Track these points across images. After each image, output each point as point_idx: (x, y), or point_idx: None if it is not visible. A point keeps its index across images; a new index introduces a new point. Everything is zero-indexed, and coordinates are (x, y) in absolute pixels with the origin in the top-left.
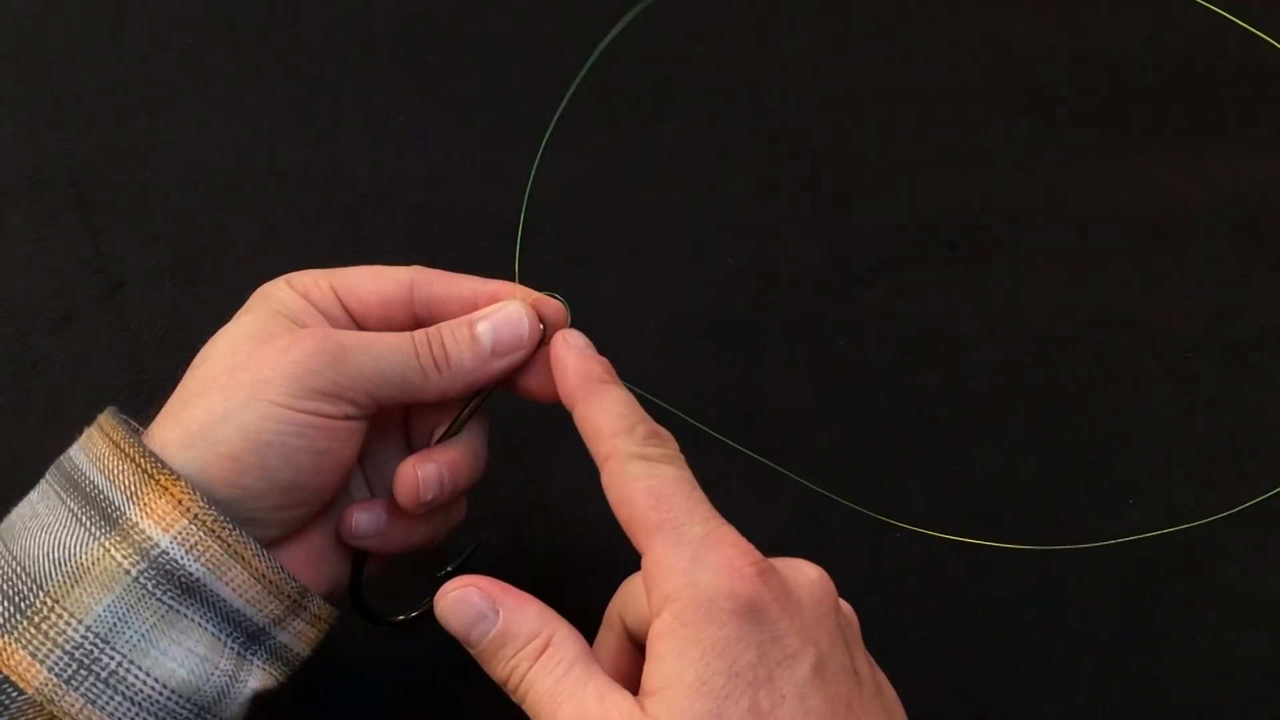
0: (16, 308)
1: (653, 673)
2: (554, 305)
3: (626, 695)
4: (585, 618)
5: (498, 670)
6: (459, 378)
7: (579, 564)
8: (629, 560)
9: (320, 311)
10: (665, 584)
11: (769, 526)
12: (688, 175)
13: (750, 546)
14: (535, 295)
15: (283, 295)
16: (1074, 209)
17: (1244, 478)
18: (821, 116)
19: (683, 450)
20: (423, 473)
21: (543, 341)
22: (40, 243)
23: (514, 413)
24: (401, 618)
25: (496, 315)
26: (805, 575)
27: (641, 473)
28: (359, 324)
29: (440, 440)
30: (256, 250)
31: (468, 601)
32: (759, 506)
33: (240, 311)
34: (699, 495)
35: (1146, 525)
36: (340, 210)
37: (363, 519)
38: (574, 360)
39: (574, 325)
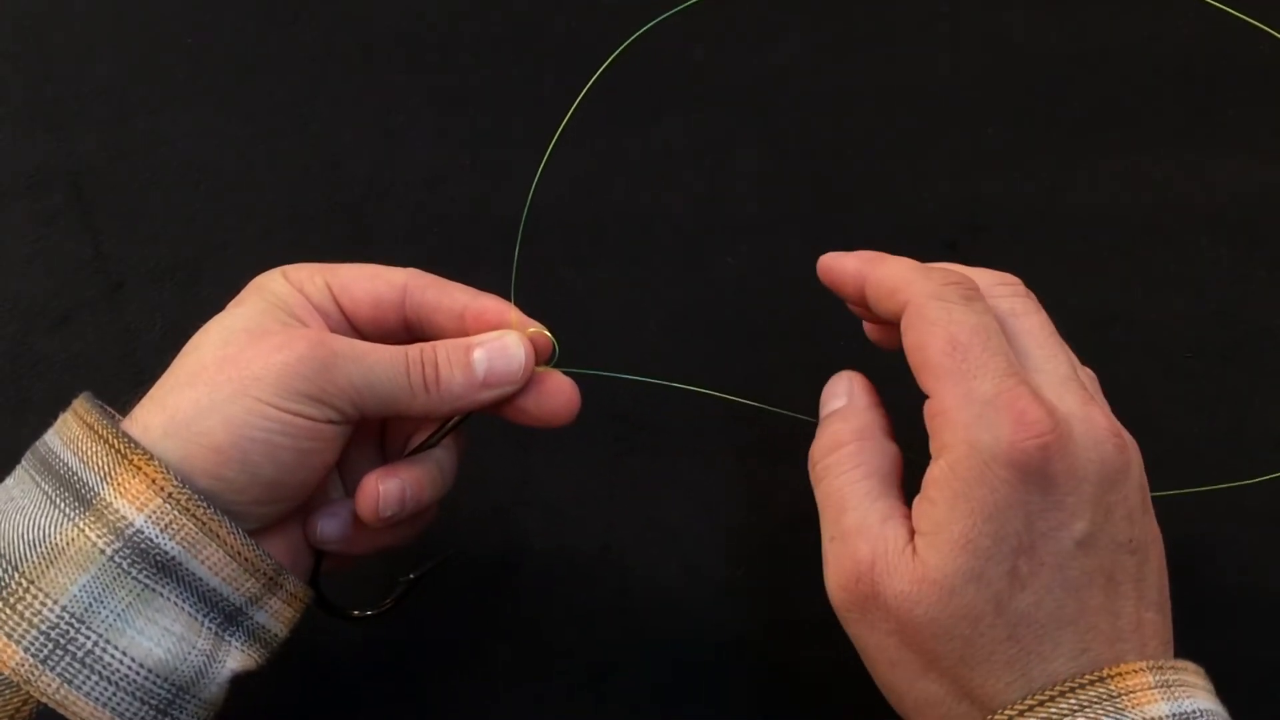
0: (16, 308)
1: (923, 515)
2: (543, 340)
3: (906, 527)
4: (584, 617)
5: (814, 449)
6: (446, 401)
7: (579, 564)
8: (628, 560)
9: (314, 306)
10: (946, 434)
11: (768, 526)
12: (688, 175)
13: (1042, 414)
14: (528, 322)
15: (278, 288)
16: (1074, 209)
17: (1244, 478)
18: (821, 116)
19: (681, 443)
20: (384, 488)
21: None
22: (40, 243)
23: None
24: (356, 614)
25: (493, 345)
26: (1097, 443)
27: (939, 316)
28: (350, 321)
29: (411, 453)
30: (256, 250)
31: (835, 382)
32: (759, 507)
33: (234, 301)
34: (997, 345)
35: None
36: (340, 210)
37: (328, 525)
38: (844, 255)
39: (575, 325)
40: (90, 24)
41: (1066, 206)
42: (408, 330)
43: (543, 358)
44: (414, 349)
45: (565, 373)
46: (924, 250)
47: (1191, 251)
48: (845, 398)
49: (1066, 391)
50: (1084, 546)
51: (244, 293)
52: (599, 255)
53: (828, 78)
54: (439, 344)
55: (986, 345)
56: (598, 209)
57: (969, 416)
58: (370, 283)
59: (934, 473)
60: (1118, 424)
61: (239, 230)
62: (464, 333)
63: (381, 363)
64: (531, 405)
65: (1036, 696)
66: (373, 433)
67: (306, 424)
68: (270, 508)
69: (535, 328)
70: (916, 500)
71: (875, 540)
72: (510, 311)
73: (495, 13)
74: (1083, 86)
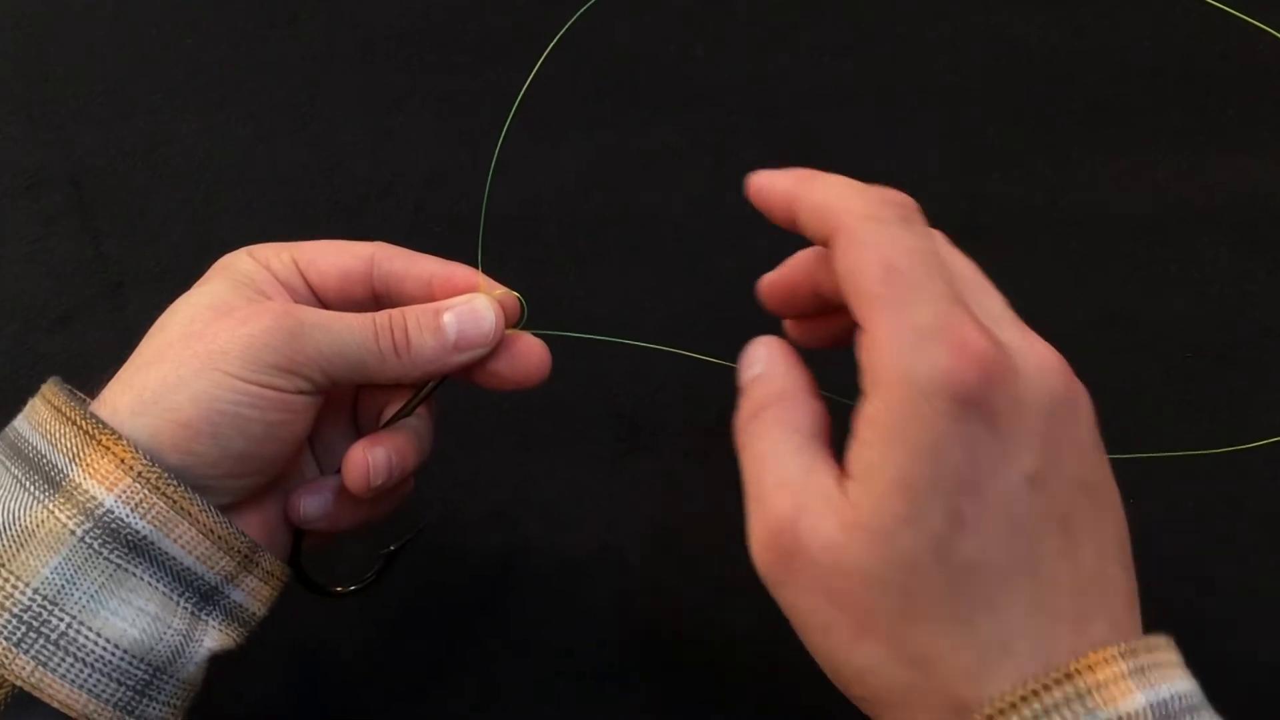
0: (16, 308)
1: (856, 457)
2: (511, 302)
3: (834, 474)
4: (584, 617)
5: (738, 411)
6: (417, 365)
7: (578, 563)
8: (628, 560)
9: (281, 283)
10: (879, 367)
11: None
12: (688, 175)
13: (986, 341)
14: (495, 285)
15: (244, 265)
16: (1074, 209)
17: (1244, 478)
18: (821, 116)
19: (681, 443)
20: (373, 458)
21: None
22: (40, 243)
23: (512, 410)
24: (340, 589)
25: (463, 308)
26: (1043, 373)
27: (872, 239)
28: (319, 296)
29: (388, 423)
30: None
31: (751, 350)
32: None
33: (200, 281)
34: (935, 268)
35: (1146, 525)
36: (340, 210)
37: (310, 503)
38: (776, 173)
39: (575, 324)
40: (90, 24)
41: (1066, 206)
42: (376, 302)
43: (511, 320)
44: (382, 315)
45: (535, 334)
46: None
47: (1191, 251)
48: (763, 363)
49: (1006, 324)
50: (1034, 484)
51: (210, 272)
52: (599, 254)
53: (828, 76)
54: (408, 309)
55: (926, 269)
56: (598, 208)
57: (904, 346)
58: (336, 256)
59: (866, 410)
60: (1064, 360)
61: (239, 230)
62: (432, 301)
63: (350, 329)
64: (504, 368)
65: (996, 704)
66: (345, 409)
67: (275, 395)
68: (242, 481)
69: (502, 290)
70: (849, 444)
71: (798, 491)
72: (478, 278)
73: (495, 13)
74: (1083, 86)
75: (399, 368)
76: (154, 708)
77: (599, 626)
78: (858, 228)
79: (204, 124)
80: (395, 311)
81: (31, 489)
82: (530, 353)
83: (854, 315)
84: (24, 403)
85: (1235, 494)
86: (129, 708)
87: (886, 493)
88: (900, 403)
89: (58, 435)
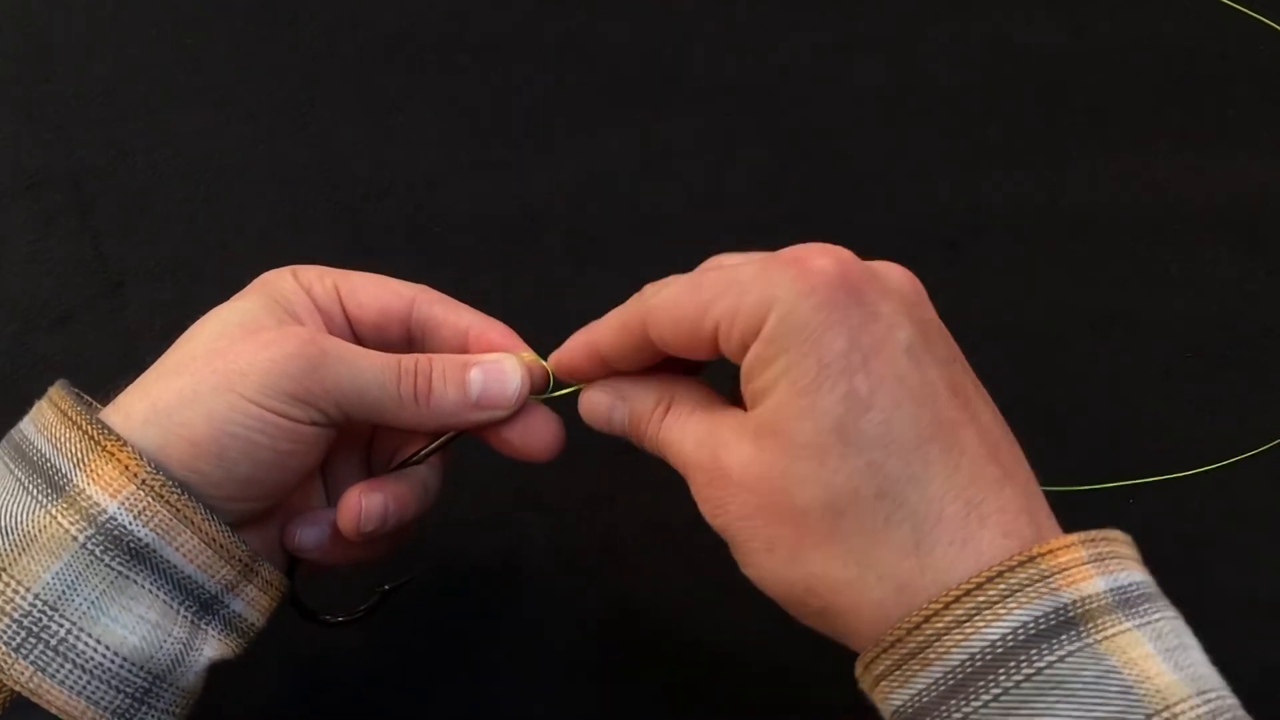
0: (17, 308)
1: (753, 391)
2: (539, 371)
3: (737, 411)
4: (585, 619)
5: (644, 443)
6: (435, 416)
7: (579, 566)
8: (628, 562)
9: (319, 308)
10: (746, 329)
11: None
12: (688, 175)
13: (822, 250)
14: (527, 350)
15: (284, 285)
16: (1074, 209)
17: (1244, 477)
18: (822, 116)
19: None
20: (366, 503)
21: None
22: (40, 243)
23: None
24: (327, 618)
25: (490, 366)
26: (892, 269)
27: (656, 302)
28: (354, 328)
29: (396, 467)
30: (256, 250)
31: (595, 402)
32: None
33: (239, 294)
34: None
35: (1146, 525)
36: (340, 210)
37: (306, 534)
38: (565, 354)
39: (573, 325)
40: (90, 24)
41: (1066, 206)
42: (410, 345)
43: (537, 389)
44: (408, 358)
45: (559, 397)
46: (924, 250)
47: (1191, 251)
48: (620, 399)
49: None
50: (914, 357)
51: (250, 287)
52: (598, 255)
53: (829, 77)
54: (435, 357)
55: (720, 263)
56: (598, 209)
57: (751, 293)
58: (379, 290)
59: (748, 359)
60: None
61: (239, 230)
62: (465, 353)
63: (372, 368)
64: (516, 437)
65: (963, 586)
66: (359, 442)
67: (287, 424)
68: (245, 505)
69: (532, 356)
70: (742, 391)
71: (711, 437)
72: (514, 338)
73: (495, 13)
74: (1083, 86)
75: (416, 415)
76: (152, 715)
77: (599, 626)
78: (650, 308)
79: (204, 124)
80: (423, 357)
81: (35, 492)
82: (545, 427)
83: (698, 354)
84: (24, 403)
85: (1235, 495)
86: (127, 715)
87: (784, 399)
88: (775, 327)
89: (63, 439)
